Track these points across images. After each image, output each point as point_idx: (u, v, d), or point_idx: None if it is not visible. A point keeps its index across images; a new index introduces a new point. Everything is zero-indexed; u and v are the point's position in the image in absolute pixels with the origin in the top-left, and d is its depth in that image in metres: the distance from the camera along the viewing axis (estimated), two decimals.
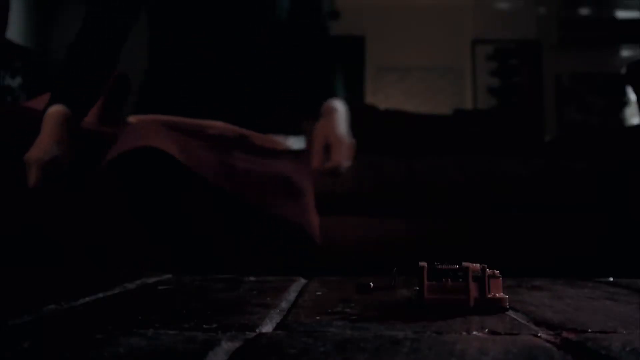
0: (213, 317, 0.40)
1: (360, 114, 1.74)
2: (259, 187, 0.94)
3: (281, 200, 0.95)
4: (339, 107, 1.02)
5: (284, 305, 0.46)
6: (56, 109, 0.90)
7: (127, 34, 0.99)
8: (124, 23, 0.97)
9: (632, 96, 3.95)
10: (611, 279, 0.65)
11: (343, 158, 0.95)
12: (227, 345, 0.31)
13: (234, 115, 0.95)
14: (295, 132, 1.05)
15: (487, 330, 0.36)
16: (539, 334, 0.35)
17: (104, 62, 0.96)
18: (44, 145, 0.88)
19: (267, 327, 0.37)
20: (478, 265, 0.45)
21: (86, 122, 0.96)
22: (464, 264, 0.45)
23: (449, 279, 0.44)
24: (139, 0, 0.99)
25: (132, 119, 0.97)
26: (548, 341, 0.33)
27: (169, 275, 0.66)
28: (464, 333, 0.35)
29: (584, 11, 4.58)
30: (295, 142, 1.05)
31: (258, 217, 0.94)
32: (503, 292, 0.45)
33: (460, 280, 0.44)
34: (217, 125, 0.94)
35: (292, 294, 0.52)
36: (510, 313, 0.43)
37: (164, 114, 0.95)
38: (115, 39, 0.97)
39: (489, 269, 0.45)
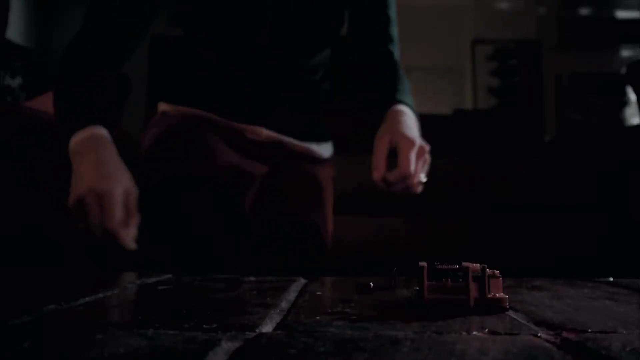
0: (213, 317, 0.40)
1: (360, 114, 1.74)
2: (294, 195, 0.94)
3: (309, 206, 0.95)
4: (406, 110, 0.87)
5: (284, 305, 0.46)
6: (97, 132, 0.75)
7: (131, 34, 0.91)
8: (124, 23, 0.94)
9: (632, 96, 3.95)
10: (611, 279, 0.65)
11: (415, 165, 0.75)
12: (227, 345, 0.31)
13: (251, 92, 0.94)
14: (324, 139, 1.04)
15: (487, 330, 0.36)
16: (539, 334, 0.35)
17: (104, 63, 0.91)
18: (112, 176, 0.71)
19: (267, 327, 0.37)
20: (478, 265, 0.45)
21: None
22: (464, 264, 0.45)
23: (449, 279, 0.44)
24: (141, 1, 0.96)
25: (167, 107, 0.95)
26: (548, 341, 0.33)
27: (169, 275, 0.66)
28: (464, 333, 0.35)
29: (584, 11, 4.58)
30: (325, 149, 1.04)
31: (258, 218, 0.95)
32: (503, 292, 0.45)
33: (460, 280, 0.44)
34: (256, 130, 0.93)
35: (292, 294, 0.52)
36: (510, 313, 0.43)
37: (186, 90, 0.95)
38: (116, 39, 0.92)
39: (489, 269, 0.45)
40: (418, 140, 0.79)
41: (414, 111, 0.90)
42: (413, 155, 0.76)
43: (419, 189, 0.79)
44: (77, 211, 0.72)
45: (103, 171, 0.72)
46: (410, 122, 0.84)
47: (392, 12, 1.03)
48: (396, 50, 1.03)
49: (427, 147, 0.81)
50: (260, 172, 0.94)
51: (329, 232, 0.98)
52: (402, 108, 0.87)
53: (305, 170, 0.98)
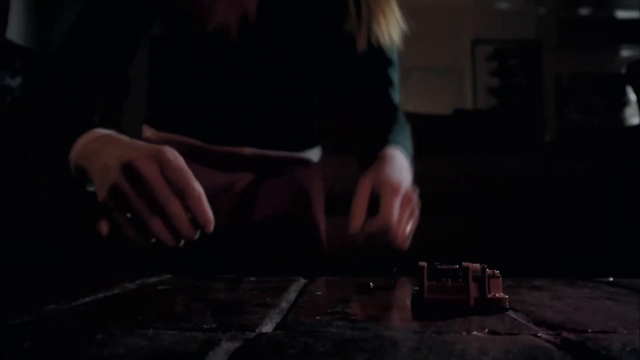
0: (213, 317, 0.40)
1: None
2: (279, 197, 0.94)
3: (296, 207, 0.95)
4: (398, 154, 0.77)
5: (284, 305, 0.46)
6: (105, 132, 0.65)
7: (131, 35, 0.88)
8: (123, 23, 0.92)
9: (632, 96, 3.95)
10: (611, 279, 0.65)
11: (400, 215, 0.64)
12: (227, 345, 0.31)
13: (236, 116, 0.95)
14: (311, 146, 1.04)
15: (487, 330, 0.36)
16: (539, 334, 0.35)
17: (104, 64, 0.86)
18: (170, 150, 0.55)
19: (267, 327, 0.37)
20: (478, 265, 0.45)
21: None
22: (464, 264, 0.45)
23: (449, 279, 0.44)
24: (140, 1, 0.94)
25: (150, 133, 0.95)
26: (548, 341, 0.33)
27: (169, 275, 0.66)
28: (464, 333, 0.35)
29: (584, 11, 4.58)
30: (314, 154, 1.04)
31: (258, 218, 0.95)
32: (503, 292, 0.45)
33: (460, 280, 0.44)
34: (237, 150, 0.94)
35: (292, 294, 0.52)
36: (510, 313, 0.43)
37: (171, 116, 0.95)
38: (115, 39, 0.90)
39: (489, 269, 0.45)
40: (404, 187, 0.69)
41: (409, 155, 0.82)
42: (397, 204, 0.65)
43: (406, 244, 0.68)
44: (125, 187, 0.54)
45: (140, 143, 0.58)
46: (399, 166, 0.74)
47: (394, 55, 0.97)
48: (396, 95, 0.97)
49: (415, 196, 0.71)
50: (244, 181, 0.95)
51: (321, 231, 0.98)
52: (394, 152, 0.78)
53: (289, 171, 0.98)
